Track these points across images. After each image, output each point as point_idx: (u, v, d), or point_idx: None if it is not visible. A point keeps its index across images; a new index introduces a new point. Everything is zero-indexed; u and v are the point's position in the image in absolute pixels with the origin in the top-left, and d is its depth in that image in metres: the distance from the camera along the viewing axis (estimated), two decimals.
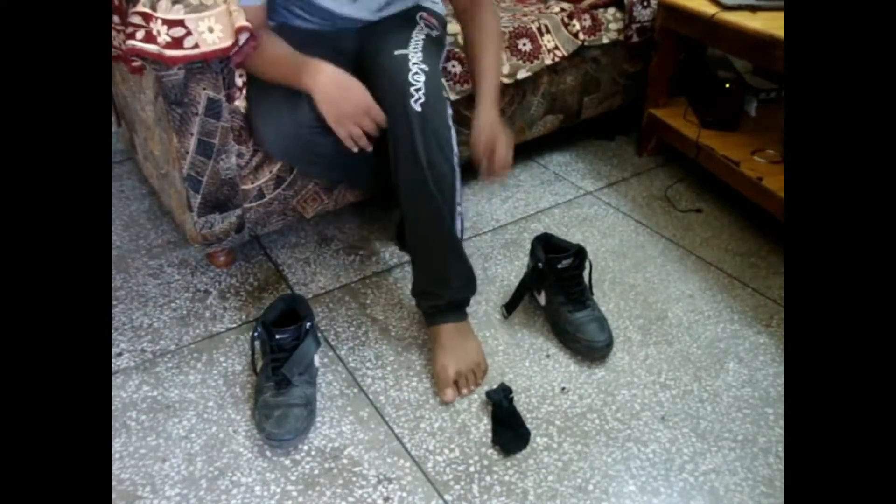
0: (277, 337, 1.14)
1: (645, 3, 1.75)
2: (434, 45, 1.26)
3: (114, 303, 1.40)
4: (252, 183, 1.35)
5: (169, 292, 1.43)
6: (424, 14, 1.30)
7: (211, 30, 1.10)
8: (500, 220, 1.67)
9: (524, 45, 1.62)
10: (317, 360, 1.20)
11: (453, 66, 1.51)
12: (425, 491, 1.03)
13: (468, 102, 1.50)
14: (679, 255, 1.54)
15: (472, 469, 1.07)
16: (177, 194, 1.36)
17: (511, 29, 1.62)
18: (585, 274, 1.32)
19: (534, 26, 1.65)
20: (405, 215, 1.19)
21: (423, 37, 1.23)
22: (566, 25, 1.69)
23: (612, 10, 1.77)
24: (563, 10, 1.72)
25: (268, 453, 1.09)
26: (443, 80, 1.37)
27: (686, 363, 1.26)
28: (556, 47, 1.67)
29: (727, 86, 1.71)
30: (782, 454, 1.08)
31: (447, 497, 1.02)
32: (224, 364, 1.26)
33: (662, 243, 1.58)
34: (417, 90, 1.10)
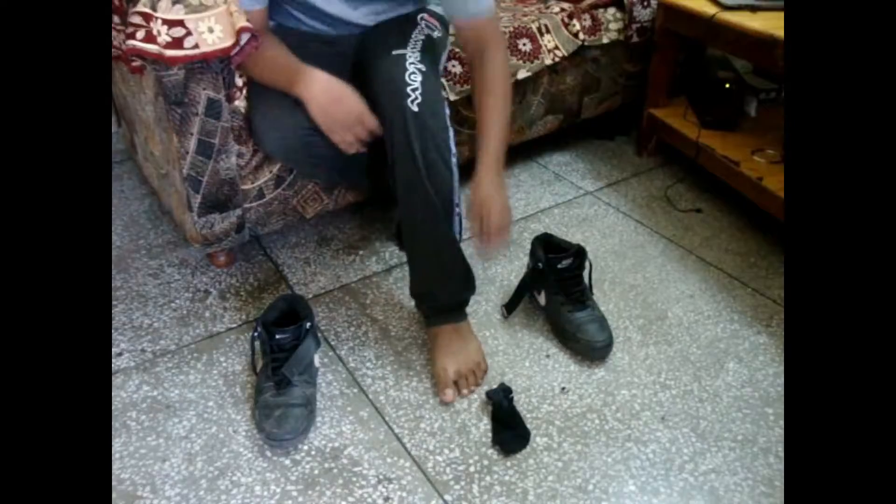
0: (277, 337, 1.14)
1: (645, 3, 1.75)
2: (434, 46, 1.26)
3: (114, 303, 1.40)
4: (252, 183, 1.35)
5: (169, 292, 1.43)
6: (426, 15, 1.30)
7: (211, 30, 1.10)
8: None
9: (524, 45, 1.62)
10: (317, 360, 1.20)
11: (454, 66, 1.50)
12: (425, 491, 1.03)
13: (468, 102, 1.51)
14: (679, 255, 1.54)
15: (472, 469, 1.07)
16: (177, 194, 1.36)
17: (511, 29, 1.62)
18: (585, 274, 1.32)
19: (534, 26, 1.65)
20: (402, 216, 1.19)
21: (422, 38, 1.22)
22: (566, 25, 1.69)
23: (612, 10, 1.77)
24: (563, 10, 1.72)
25: (268, 453, 1.09)
26: (442, 81, 1.37)
27: (686, 363, 1.26)
28: (557, 47, 1.67)
29: (727, 86, 1.71)
30: (782, 454, 1.08)
31: (447, 497, 1.02)
32: (224, 364, 1.26)
33: (662, 243, 1.58)
34: (414, 90, 1.10)
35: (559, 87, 1.76)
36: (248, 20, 1.11)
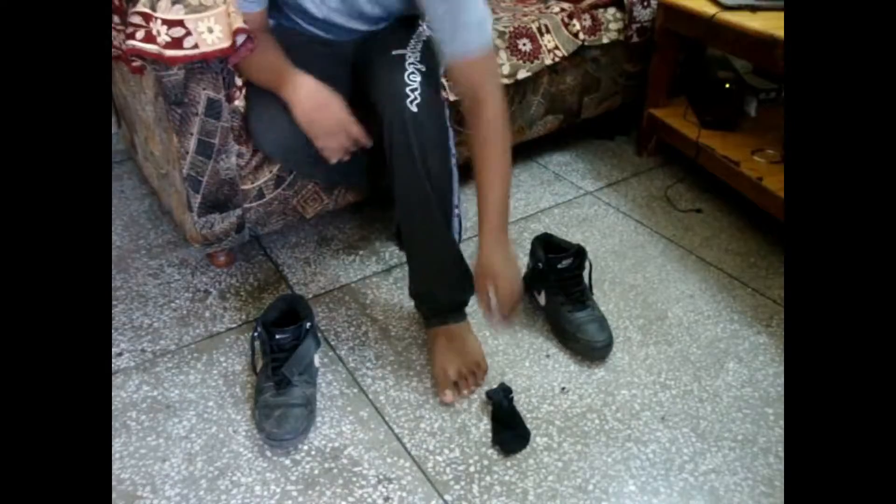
0: (277, 337, 1.14)
1: (645, 3, 1.75)
2: (435, 47, 1.26)
3: (114, 303, 1.40)
4: (252, 183, 1.35)
5: (169, 292, 1.43)
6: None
7: (210, 30, 1.10)
8: None
9: (524, 45, 1.62)
10: (317, 360, 1.20)
11: None
12: (425, 491, 1.03)
13: None
14: (679, 255, 1.54)
15: (472, 469, 1.07)
16: (177, 194, 1.36)
17: (511, 29, 1.62)
18: (585, 274, 1.32)
19: (534, 26, 1.65)
20: (401, 217, 1.19)
21: (423, 39, 1.22)
22: (566, 25, 1.69)
23: (612, 10, 1.77)
24: (563, 10, 1.72)
25: (268, 453, 1.09)
26: (442, 81, 1.37)
27: (686, 363, 1.26)
28: (556, 47, 1.67)
29: (727, 86, 1.71)
30: (782, 454, 1.08)
31: (447, 497, 1.02)
32: (224, 364, 1.26)
33: (662, 243, 1.58)
34: (413, 90, 1.09)
35: (559, 87, 1.76)
36: (245, 21, 1.11)
